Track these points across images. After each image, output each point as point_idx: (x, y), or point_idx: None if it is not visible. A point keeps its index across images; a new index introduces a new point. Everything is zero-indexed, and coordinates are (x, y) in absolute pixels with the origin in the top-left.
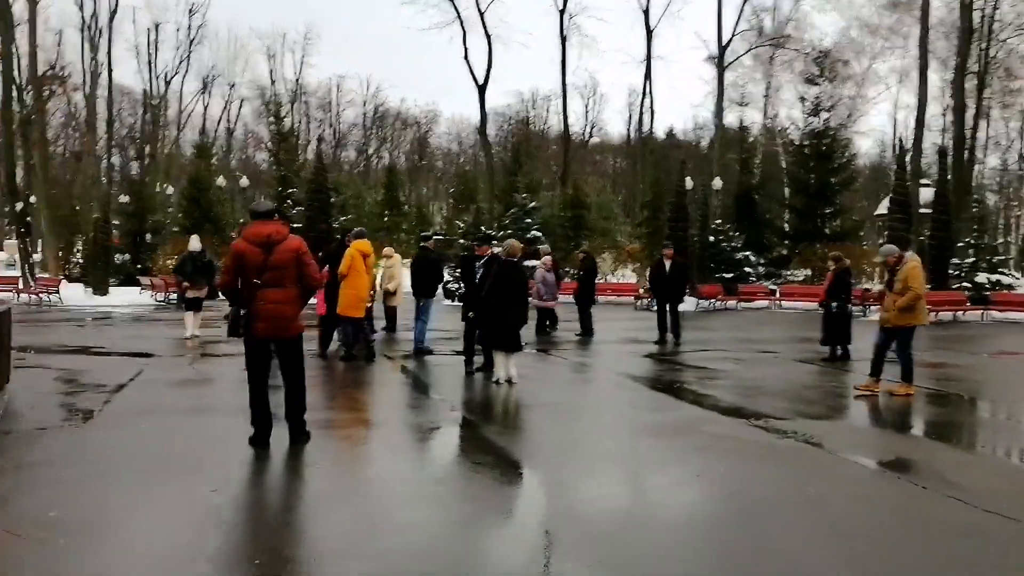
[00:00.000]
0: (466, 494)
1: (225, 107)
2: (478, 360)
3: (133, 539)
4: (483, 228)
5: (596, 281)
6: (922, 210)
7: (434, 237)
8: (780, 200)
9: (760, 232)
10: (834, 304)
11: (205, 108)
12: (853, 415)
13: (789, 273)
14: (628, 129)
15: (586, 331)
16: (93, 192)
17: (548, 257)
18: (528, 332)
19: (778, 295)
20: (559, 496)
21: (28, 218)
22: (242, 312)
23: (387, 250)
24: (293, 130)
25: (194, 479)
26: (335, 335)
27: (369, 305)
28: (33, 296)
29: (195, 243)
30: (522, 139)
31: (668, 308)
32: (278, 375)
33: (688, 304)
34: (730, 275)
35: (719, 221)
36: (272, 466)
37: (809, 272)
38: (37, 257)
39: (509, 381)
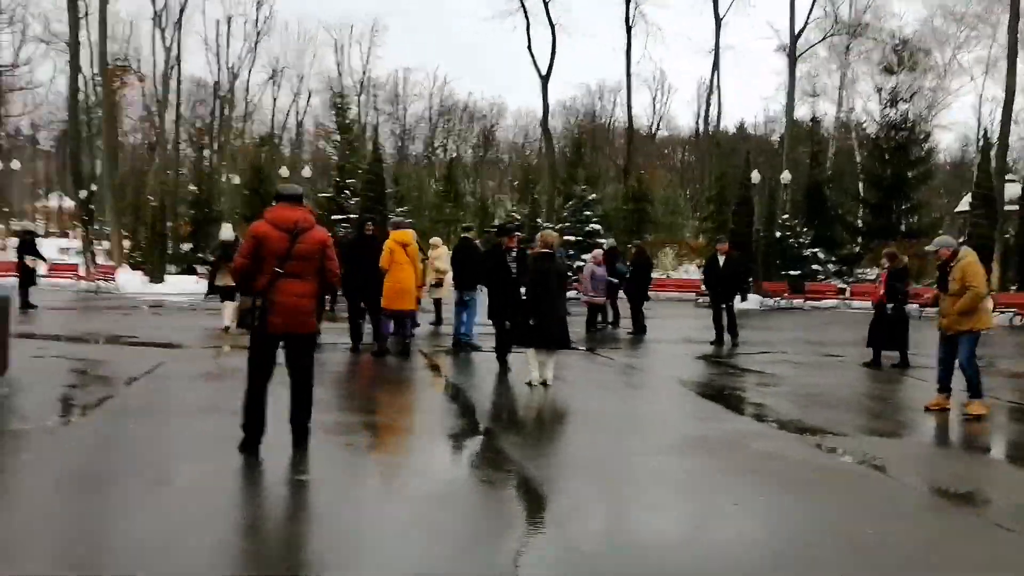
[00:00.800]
0: (467, 518)
1: (294, 99)
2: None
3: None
4: (539, 220)
5: (652, 277)
6: (1008, 207)
7: (493, 229)
8: (853, 195)
9: (830, 228)
10: (889, 305)
11: (274, 100)
12: (922, 433)
13: (860, 271)
14: (697, 122)
15: (638, 329)
16: (162, 181)
17: (598, 251)
18: (577, 329)
19: (848, 294)
20: (566, 525)
21: (92, 206)
22: (257, 303)
23: (434, 240)
24: (355, 121)
25: (152, 492)
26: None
27: (419, 296)
28: (91, 283)
29: (227, 232)
30: (585, 131)
31: (724, 306)
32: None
33: (751, 302)
34: (797, 272)
35: (786, 216)
36: (256, 477)
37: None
38: (105, 244)
39: (544, 384)
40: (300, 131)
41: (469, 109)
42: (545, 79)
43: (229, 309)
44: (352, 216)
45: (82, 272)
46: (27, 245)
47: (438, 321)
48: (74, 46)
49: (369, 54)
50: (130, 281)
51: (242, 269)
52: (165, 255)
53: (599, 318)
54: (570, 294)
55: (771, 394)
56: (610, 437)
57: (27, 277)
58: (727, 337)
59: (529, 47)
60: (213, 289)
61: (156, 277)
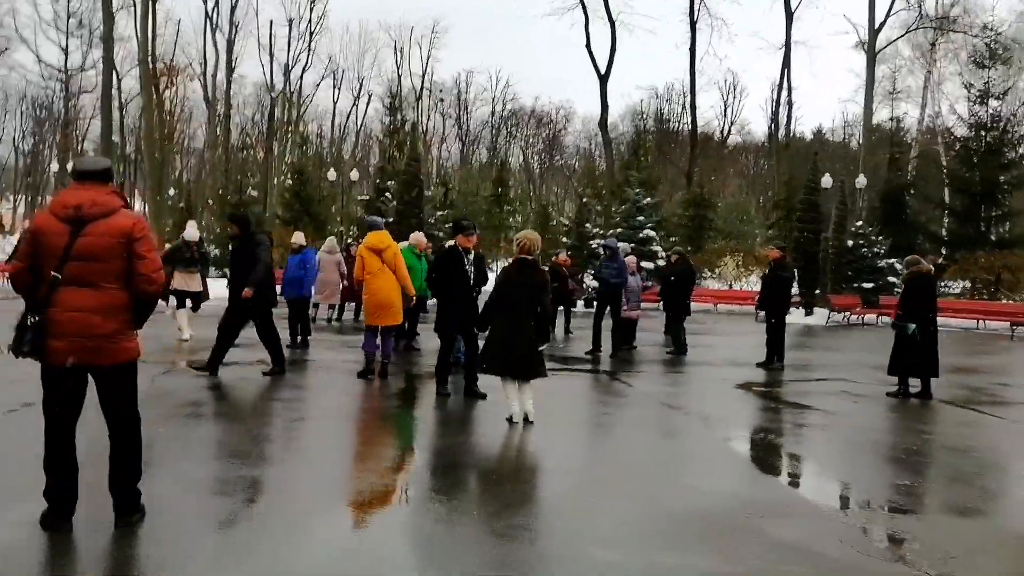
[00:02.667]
0: None
1: (354, 102)
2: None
3: None
4: (587, 226)
5: (692, 288)
6: None
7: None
8: (937, 201)
9: (910, 236)
10: (907, 325)
11: (334, 104)
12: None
13: (944, 284)
14: (769, 126)
15: (678, 348)
16: (206, 183)
17: (633, 257)
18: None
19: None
20: None
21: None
22: (30, 321)
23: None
24: (405, 123)
25: None
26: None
27: (411, 305)
28: None
29: (191, 230)
30: (644, 133)
31: (769, 322)
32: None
33: (818, 317)
34: (870, 285)
35: (860, 224)
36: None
37: (968, 284)
38: None
39: (526, 419)
40: (359, 135)
41: (536, 114)
42: (604, 78)
43: (182, 317)
44: (389, 220)
45: None
46: None
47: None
48: (108, 43)
49: (429, 56)
50: None
51: (15, 277)
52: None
53: (629, 336)
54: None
55: (815, 440)
56: (576, 512)
57: None
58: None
59: (588, 45)
60: (165, 294)
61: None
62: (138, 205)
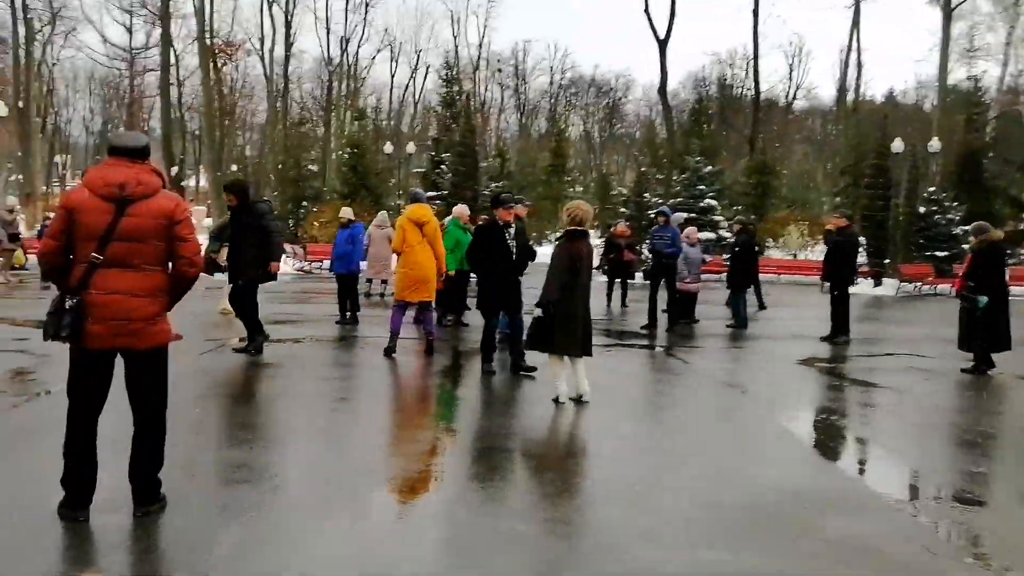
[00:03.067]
0: None
1: (411, 75)
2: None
3: None
4: (645, 196)
5: (756, 259)
6: None
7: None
8: (1018, 164)
9: (988, 202)
10: (979, 298)
11: (392, 77)
12: None
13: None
14: (837, 90)
15: (739, 322)
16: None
17: (692, 228)
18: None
19: (1008, 277)
20: None
21: (182, 183)
22: (68, 304)
23: (457, 209)
24: (461, 94)
25: None
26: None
27: (440, 287)
28: None
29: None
30: (705, 99)
31: (833, 294)
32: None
33: (887, 287)
34: (944, 253)
35: (932, 189)
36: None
37: None
38: (207, 223)
39: (579, 399)
40: (417, 108)
41: (596, 81)
42: (663, 43)
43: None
44: (444, 193)
45: None
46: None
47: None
48: (165, 19)
49: (486, 26)
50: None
51: (46, 256)
52: None
53: (689, 310)
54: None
55: (882, 422)
56: (616, 501)
57: None
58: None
59: (646, 9)
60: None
61: None
62: (203, 181)
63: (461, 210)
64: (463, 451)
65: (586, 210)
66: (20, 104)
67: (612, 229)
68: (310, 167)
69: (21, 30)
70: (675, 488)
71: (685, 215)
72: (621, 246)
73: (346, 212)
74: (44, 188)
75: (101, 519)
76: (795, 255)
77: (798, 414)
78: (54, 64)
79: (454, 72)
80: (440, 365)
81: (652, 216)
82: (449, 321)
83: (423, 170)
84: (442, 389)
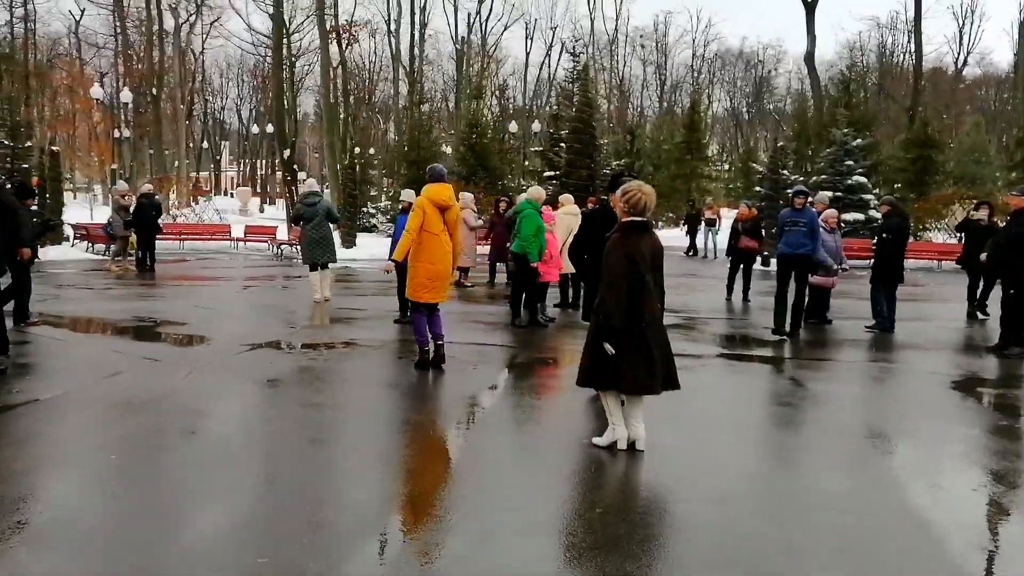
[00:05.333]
0: None
1: (547, 52)
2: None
3: None
4: (784, 172)
5: (906, 244)
6: None
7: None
8: None
9: None
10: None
11: (527, 55)
12: None
13: None
14: (1015, 54)
15: (880, 323)
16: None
17: (831, 211)
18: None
19: None
20: None
21: (295, 165)
22: None
23: (564, 197)
24: (586, 68)
25: None
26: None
27: (462, 282)
28: (280, 248)
29: (310, 184)
30: (856, 66)
31: (1009, 292)
32: None
33: None
34: None
35: None
36: None
37: None
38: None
39: (633, 447)
40: (552, 86)
41: (744, 55)
42: (811, 7)
43: (317, 278)
44: (557, 172)
45: (283, 235)
46: (142, 209)
47: (565, 303)
48: (277, 5)
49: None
50: None
51: None
52: (356, 218)
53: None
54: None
55: None
56: None
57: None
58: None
59: None
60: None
61: (347, 242)
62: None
63: (538, 191)
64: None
65: (648, 193)
66: (153, 91)
67: (740, 212)
68: (443, 149)
69: (167, 21)
70: None
71: (830, 195)
72: (739, 231)
73: (407, 195)
74: (193, 172)
75: None
76: (960, 239)
77: (943, 480)
78: (201, 52)
79: (587, 45)
80: (477, 386)
81: (789, 196)
82: (521, 322)
83: (541, 148)
84: (468, 423)
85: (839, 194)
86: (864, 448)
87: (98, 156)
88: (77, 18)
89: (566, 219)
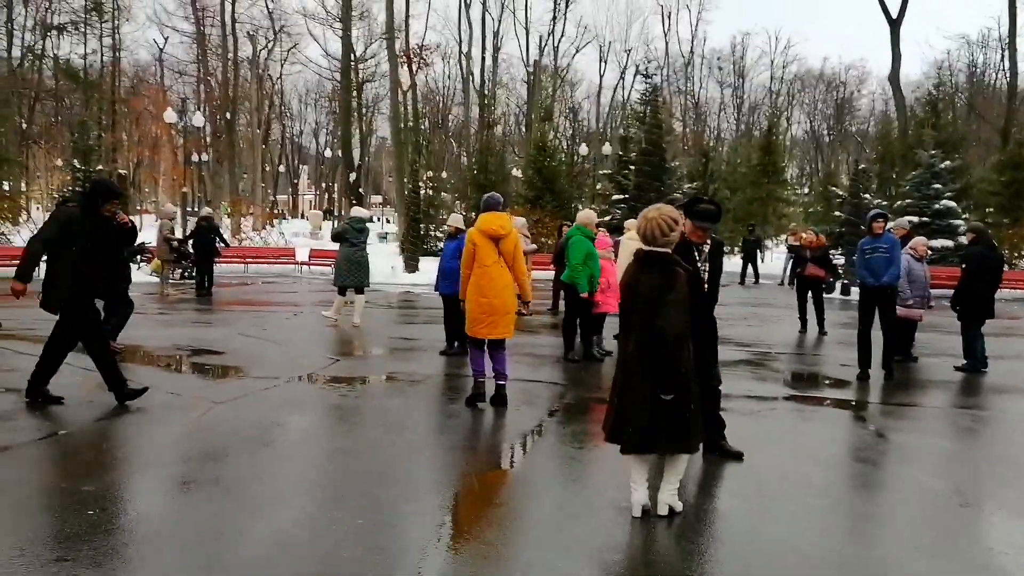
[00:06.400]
0: None
1: (621, 75)
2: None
3: None
4: (866, 196)
5: (1000, 276)
6: None
7: None
8: None
9: None
10: None
11: (601, 77)
12: None
13: None
14: None
15: (972, 363)
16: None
17: (920, 238)
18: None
19: None
20: None
21: (360, 188)
22: None
23: (629, 222)
24: (658, 91)
25: None
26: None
27: (523, 312)
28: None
29: (359, 211)
30: (945, 85)
31: None
32: None
33: None
34: None
35: None
36: None
37: None
38: (392, 228)
39: (671, 512)
40: (626, 107)
41: (825, 76)
42: (895, 24)
43: (340, 303)
44: (625, 195)
45: None
46: (202, 231)
47: None
48: (346, 22)
49: (699, 19)
50: (382, 270)
51: None
52: (419, 242)
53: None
54: None
55: None
56: None
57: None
58: None
59: None
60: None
61: (410, 266)
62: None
63: (589, 215)
64: None
65: (651, 219)
66: (227, 116)
67: (806, 238)
68: (513, 172)
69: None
70: None
71: (913, 220)
72: (806, 258)
73: (455, 220)
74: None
75: None
76: None
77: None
78: (279, 78)
79: (661, 68)
80: (515, 432)
81: (867, 221)
82: (575, 356)
83: (608, 172)
84: (513, 475)
85: (926, 219)
86: (956, 520)
87: (178, 179)
88: (161, 46)
89: (630, 244)
